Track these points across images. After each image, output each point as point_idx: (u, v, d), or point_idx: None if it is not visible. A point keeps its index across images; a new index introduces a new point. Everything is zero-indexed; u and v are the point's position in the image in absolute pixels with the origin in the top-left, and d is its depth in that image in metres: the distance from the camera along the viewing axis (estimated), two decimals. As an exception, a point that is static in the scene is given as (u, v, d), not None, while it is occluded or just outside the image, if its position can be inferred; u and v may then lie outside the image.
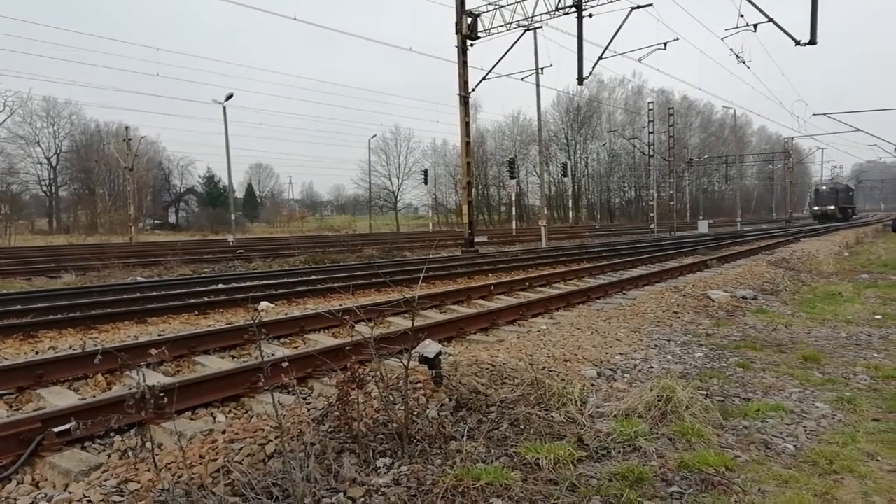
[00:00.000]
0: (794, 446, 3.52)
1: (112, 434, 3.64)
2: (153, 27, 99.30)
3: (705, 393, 4.50)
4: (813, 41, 18.13)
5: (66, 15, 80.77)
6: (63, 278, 14.00)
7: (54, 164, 61.34)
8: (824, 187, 61.35)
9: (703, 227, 44.34)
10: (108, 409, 3.62)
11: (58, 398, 4.57)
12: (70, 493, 2.94)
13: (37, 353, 6.08)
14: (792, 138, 60.78)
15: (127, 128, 41.31)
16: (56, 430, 3.48)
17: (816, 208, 58.99)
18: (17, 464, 3.24)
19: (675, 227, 40.40)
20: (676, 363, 5.57)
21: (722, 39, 20.48)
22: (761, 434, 3.71)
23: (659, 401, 3.95)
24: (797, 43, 18.47)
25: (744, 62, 22.21)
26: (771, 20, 18.75)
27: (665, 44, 21.29)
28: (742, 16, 19.18)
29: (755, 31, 19.53)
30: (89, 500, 2.83)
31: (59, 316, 7.76)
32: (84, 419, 3.57)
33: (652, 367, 5.38)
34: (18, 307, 8.50)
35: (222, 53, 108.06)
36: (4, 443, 3.32)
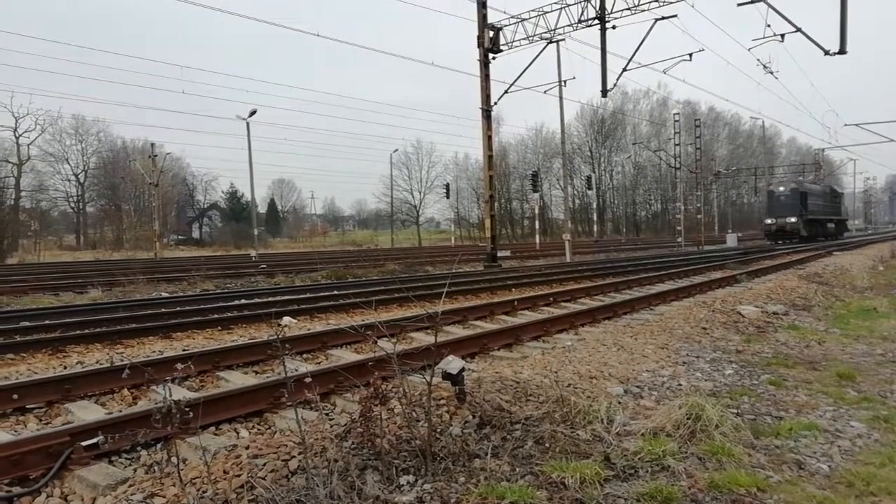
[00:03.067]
0: (829, 466, 3.41)
1: (139, 448, 3.67)
2: (179, 45, 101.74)
3: (736, 411, 4.39)
4: (843, 51, 17.84)
5: (94, 35, 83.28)
6: (90, 293, 14.26)
7: (82, 180, 62.86)
8: (782, 189, 38.94)
9: (731, 240, 43.68)
10: (135, 424, 3.64)
11: (85, 412, 4.62)
12: (96, 507, 2.96)
13: (65, 367, 6.17)
14: (823, 149, 59.54)
15: (152, 144, 42.28)
16: (84, 443, 3.51)
17: (769, 221, 38.41)
18: (46, 477, 3.28)
19: (702, 241, 39.83)
20: (706, 380, 5.45)
21: (748, 50, 20.27)
22: (794, 454, 3.60)
23: (688, 419, 3.86)
24: (826, 52, 18.21)
25: (771, 72, 21.97)
26: (799, 30, 18.50)
27: (690, 55, 21.14)
28: (769, 26, 18.93)
29: (782, 40, 19.28)
30: (115, 515, 2.84)
31: (87, 331, 7.88)
32: (111, 433, 3.60)
33: (680, 385, 5.27)
34: (47, 322, 8.67)
35: (246, 70, 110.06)
36: (35, 456, 3.36)
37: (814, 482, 3.20)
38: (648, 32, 20.11)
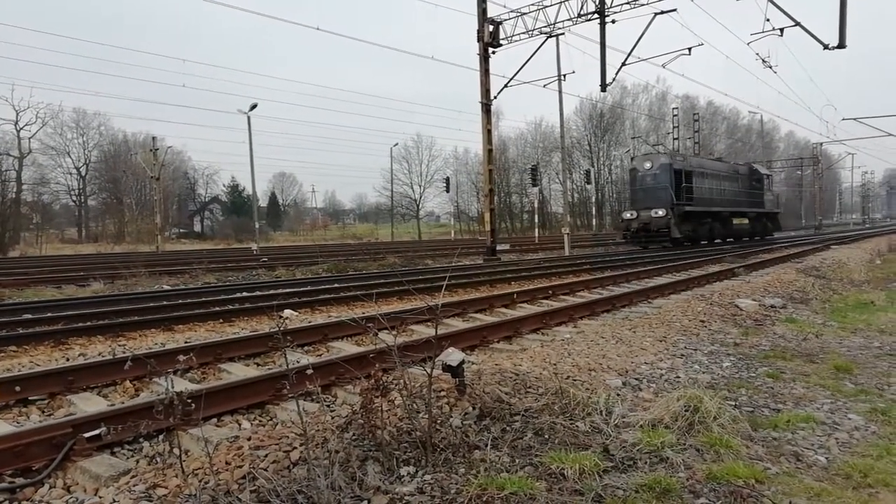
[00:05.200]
0: (827, 458, 3.44)
1: (141, 440, 3.69)
2: (179, 39, 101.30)
3: (734, 403, 4.42)
4: (842, 45, 17.81)
5: (95, 28, 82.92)
6: (92, 286, 14.27)
7: (83, 174, 62.84)
8: (648, 165, 27.00)
9: (729, 234, 43.57)
10: (137, 415, 3.67)
11: (88, 404, 4.64)
12: (100, 497, 2.99)
13: (67, 359, 6.20)
14: (821, 143, 59.33)
15: (154, 138, 42.21)
16: (87, 435, 3.53)
17: (628, 216, 27.57)
18: (49, 468, 3.30)
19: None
20: (704, 373, 5.48)
21: (748, 44, 20.23)
22: (792, 445, 3.63)
23: (686, 411, 3.89)
24: (825, 47, 18.17)
25: (770, 67, 21.92)
26: (798, 24, 18.48)
27: (689, 49, 21.08)
28: (768, 20, 18.91)
29: (782, 35, 19.25)
30: (118, 505, 2.87)
31: (89, 323, 7.90)
32: (113, 424, 3.63)
33: (678, 377, 5.30)
34: (49, 315, 8.69)
35: (247, 64, 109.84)
36: (38, 447, 3.38)
37: (811, 474, 3.23)
38: (648, 27, 20.09)
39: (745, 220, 32.50)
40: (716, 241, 29.63)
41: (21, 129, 53.48)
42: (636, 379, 5.17)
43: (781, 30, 19.07)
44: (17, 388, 4.68)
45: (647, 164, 26.74)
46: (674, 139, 40.80)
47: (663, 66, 21.85)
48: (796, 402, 4.56)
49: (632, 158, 29.52)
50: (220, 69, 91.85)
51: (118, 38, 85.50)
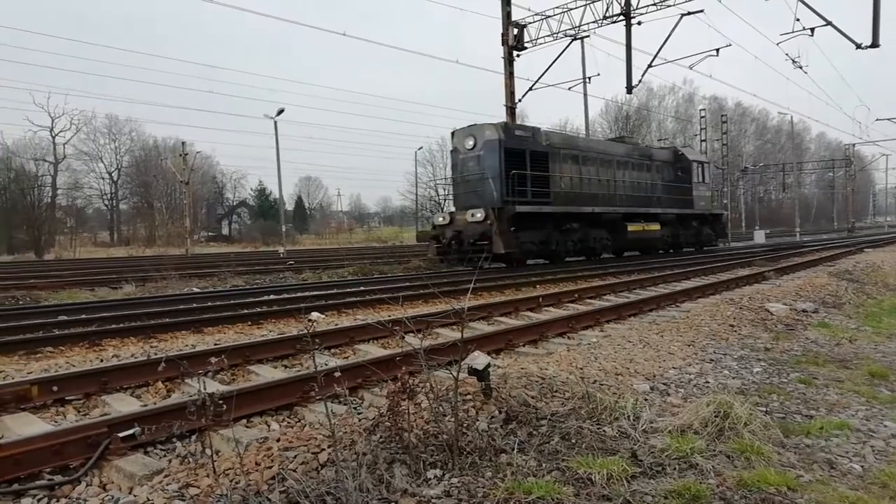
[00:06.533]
0: (862, 467, 3.37)
1: (174, 440, 3.76)
2: (207, 45, 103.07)
3: (765, 409, 4.35)
4: (875, 44, 17.45)
5: (127, 37, 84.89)
6: (124, 289, 14.58)
7: (115, 178, 64.31)
8: (470, 143, 17.88)
9: (759, 237, 43.00)
10: (169, 416, 3.75)
11: (121, 404, 4.75)
12: (135, 496, 3.06)
13: (101, 360, 6.34)
14: (853, 144, 57.99)
15: (183, 143, 42.99)
16: (121, 434, 3.62)
17: (441, 220, 18.54)
18: (86, 466, 3.39)
19: (729, 238, 39.27)
20: (733, 378, 5.40)
21: (777, 44, 19.93)
22: (825, 453, 3.56)
23: (716, 417, 3.84)
24: (858, 46, 17.80)
25: (801, 67, 21.58)
26: (829, 23, 18.14)
27: (717, 50, 20.88)
28: (798, 19, 18.64)
29: (812, 34, 18.94)
30: (153, 503, 2.93)
31: (122, 325, 8.08)
32: (147, 424, 3.71)
33: (707, 382, 5.23)
34: (83, 316, 8.91)
35: (273, 69, 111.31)
36: (75, 446, 3.47)
37: (846, 482, 3.17)
38: (674, 28, 19.92)
39: (656, 226, 22.81)
40: (600, 255, 21.25)
41: (56, 135, 55.13)
42: (664, 384, 5.12)
43: (812, 29, 18.77)
44: (55, 388, 4.80)
45: (469, 142, 17.77)
46: (701, 141, 40.27)
47: (690, 67, 21.66)
48: (829, 408, 4.47)
49: (452, 134, 18.67)
50: (248, 75, 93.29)
51: (150, 46, 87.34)
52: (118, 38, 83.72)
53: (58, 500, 3.13)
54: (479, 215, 16.74)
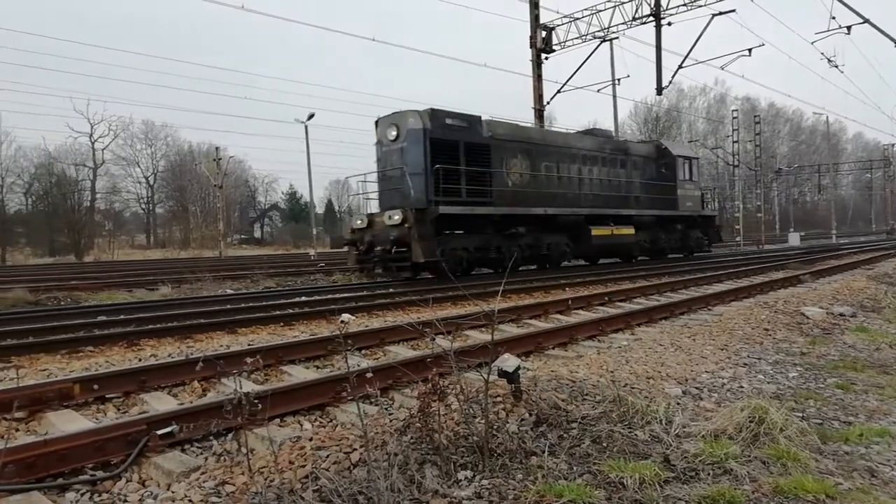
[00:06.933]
0: (904, 475, 3.28)
1: (210, 438, 3.85)
2: (239, 52, 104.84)
3: (801, 415, 4.27)
4: (916, 41, 16.95)
5: (162, 43, 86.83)
6: (160, 290, 14.93)
7: (152, 183, 65.84)
8: (393, 132, 15.25)
9: (794, 239, 42.04)
10: (205, 414, 3.84)
11: (159, 402, 4.87)
12: (173, 492, 3.13)
13: (139, 360, 6.51)
14: (892, 145, 56.42)
15: (217, 148, 43.84)
16: (159, 432, 3.71)
17: (358, 223, 15.50)
18: (126, 462, 3.48)
19: (763, 240, 38.48)
20: (768, 383, 5.31)
21: (812, 43, 19.52)
22: (865, 460, 3.48)
23: (750, 422, 3.78)
24: (898, 43, 17.33)
25: (836, 66, 21.09)
26: (866, 21, 17.72)
27: (750, 50, 20.53)
28: (834, 17, 18.25)
29: (849, 32, 18.50)
30: (190, 500, 3.01)
31: (158, 325, 8.27)
32: (184, 423, 3.80)
33: (742, 387, 5.15)
34: (122, 317, 9.15)
35: (304, 74, 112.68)
36: (115, 443, 3.57)
37: (888, 491, 3.10)
38: (705, 28, 19.68)
39: (629, 230, 20.17)
40: (558, 263, 18.45)
41: (95, 141, 56.72)
42: (696, 388, 5.05)
43: (849, 27, 18.36)
44: (96, 387, 4.94)
45: (392, 132, 15.30)
46: (734, 142, 39.56)
47: (722, 67, 21.36)
48: (869, 415, 4.36)
49: (376, 123, 16.08)
50: (278, 80, 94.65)
51: (184, 53, 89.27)
52: (159, 45, 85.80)
53: (99, 496, 3.22)
54: (396, 217, 14.21)
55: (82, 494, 3.21)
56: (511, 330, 8.04)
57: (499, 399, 4.05)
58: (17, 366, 6.23)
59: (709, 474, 3.22)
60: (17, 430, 4.31)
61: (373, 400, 4.59)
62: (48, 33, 64.03)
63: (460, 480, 3.13)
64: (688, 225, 23.90)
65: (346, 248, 16.61)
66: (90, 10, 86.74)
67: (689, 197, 23.24)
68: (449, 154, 15.12)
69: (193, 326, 8.09)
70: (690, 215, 23.53)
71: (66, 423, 4.31)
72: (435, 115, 15.25)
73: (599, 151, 20.15)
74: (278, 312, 9.38)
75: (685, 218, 23.41)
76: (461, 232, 15.81)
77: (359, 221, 15.50)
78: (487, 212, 15.87)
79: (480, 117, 16.49)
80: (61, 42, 64.30)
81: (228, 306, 10.37)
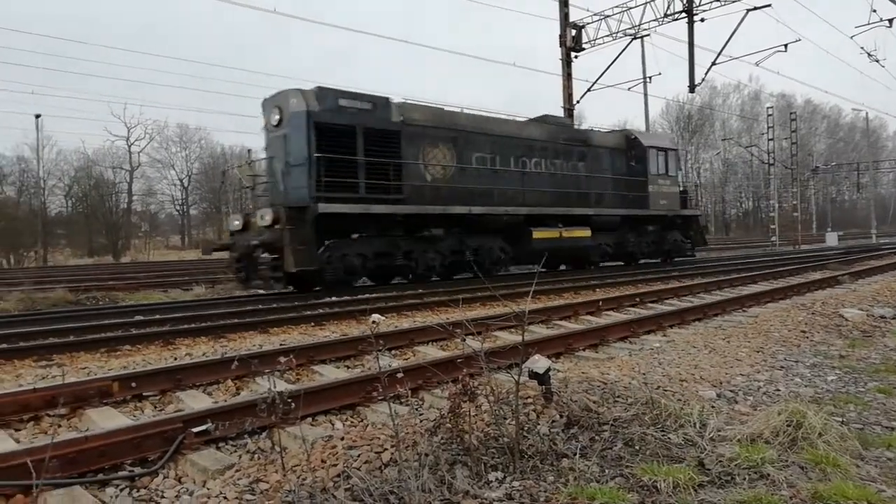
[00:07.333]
0: (950, 483, 3.18)
1: (244, 436, 3.91)
2: (269, 54, 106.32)
3: (841, 419, 4.15)
4: (961, 33, 16.38)
5: (197, 50, 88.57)
6: (194, 290, 15.22)
7: (186, 185, 67.12)
8: (276, 118, 12.69)
9: (831, 239, 40.96)
10: (240, 413, 3.90)
11: (194, 401, 4.97)
12: (208, 489, 3.20)
13: (175, 358, 6.65)
14: (937, 140, 54.53)
15: (249, 150, 44.48)
16: (195, 430, 3.78)
17: (236, 223, 12.96)
18: (163, 459, 3.56)
19: (799, 240, 37.59)
20: (806, 386, 5.18)
21: (851, 38, 19.01)
22: (909, 467, 3.37)
23: (788, 426, 3.70)
24: (942, 36, 16.78)
25: (877, 60, 20.50)
26: (910, 13, 17.16)
27: (786, 45, 20.05)
28: (874, 10, 17.74)
29: (890, 25, 17.97)
30: (225, 497, 3.06)
31: (193, 325, 8.44)
32: (219, 421, 3.87)
33: (778, 390, 5.04)
34: (158, 316, 9.35)
35: (335, 78, 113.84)
36: (152, 440, 3.66)
37: (931, 498, 3.00)
38: (740, 24, 19.28)
39: (585, 231, 17.46)
40: (489, 271, 15.37)
41: (131, 144, 58.11)
42: (731, 391, 4.96)
43: (890, 20, 17.82)
44: (133, 385, 5.06)
45: (275, 116, 12.92)
46: (769, 140, 38.73)
47: (756, 64, 20.95)
48: (913, 420, 4.23)
49: (263, 106, 13.67)
50: (308, 83, 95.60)
51: (217, 56, 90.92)
52: (189, 50, 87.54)
53: (138, 491, 3.30)
54: (267, 217, 11.80)
55: (121, 490, 3.30)
56: (541, 331, 8.00)
57: (529, 400, 4.03)
58: (60, 363, 6.43)
59: (745, 479, 3.16)
60: (60, 426, 4.45)
61: (403, 400, 4.62)
62: (88, 40, 66.15)
63: (491, 482, 3.13)
64: (663, 226, 20.65)
65: (226, 254, 13.90)
66: (132, 19, 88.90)
67: (663, 194, 19.89)
68: (341, 142, 12.55)
69: (227, 326, 8.24)
70: (665, 215, 20.19)
71: (106, 419, 4.42)
72: (323, 94, 12.71)
73: (551, 142, 17.32)
74: (309, 312, 9.49)
75: (659, 218, 20.16)
76: (359, 235, 13.14)
77: (235, 222, 13.11)
78: (389, 211, 13.16)
79: (389, 99, 13.89)
80: (99, 48, 66.06)
81: (260, 306, 10.52)
